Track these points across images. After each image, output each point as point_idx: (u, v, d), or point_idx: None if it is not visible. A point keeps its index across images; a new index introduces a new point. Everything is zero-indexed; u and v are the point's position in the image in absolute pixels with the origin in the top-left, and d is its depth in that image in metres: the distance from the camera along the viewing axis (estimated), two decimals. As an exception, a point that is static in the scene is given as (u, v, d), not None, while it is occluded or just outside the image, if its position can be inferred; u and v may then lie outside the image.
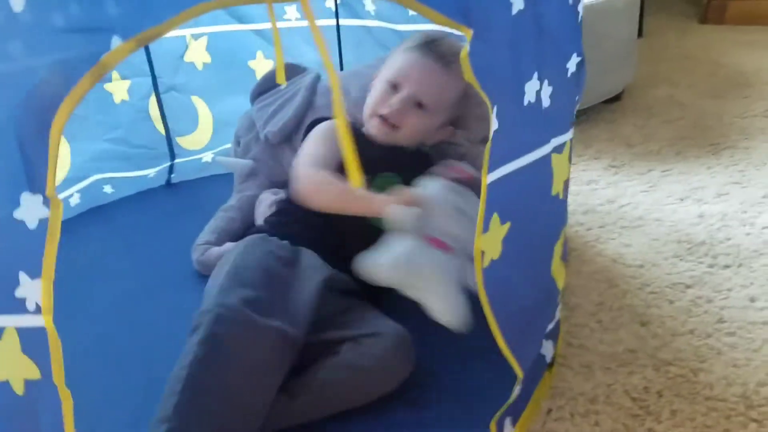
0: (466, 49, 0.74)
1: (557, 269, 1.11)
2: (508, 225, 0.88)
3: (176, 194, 1.86)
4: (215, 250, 1.47)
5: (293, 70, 1.73)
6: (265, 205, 1.56)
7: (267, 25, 1.85)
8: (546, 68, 0.91)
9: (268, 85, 1.72)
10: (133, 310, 1.37)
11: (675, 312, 1.31)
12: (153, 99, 1.83)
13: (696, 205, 1.67)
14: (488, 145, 0.81)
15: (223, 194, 1.69)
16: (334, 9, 1.83)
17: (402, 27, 1.78)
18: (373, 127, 1.33)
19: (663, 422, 1.08)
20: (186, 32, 1.81)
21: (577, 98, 1.07)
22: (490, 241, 0.85)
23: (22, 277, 0.70)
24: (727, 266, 1.43)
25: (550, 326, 1.13)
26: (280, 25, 1.88)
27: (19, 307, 0.71)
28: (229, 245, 1.48)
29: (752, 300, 1.32)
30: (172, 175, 1.90)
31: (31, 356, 0.73)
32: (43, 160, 0.66)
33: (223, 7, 0.69)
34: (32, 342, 0.73)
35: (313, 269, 1.17)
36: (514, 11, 0.81)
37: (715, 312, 1.30)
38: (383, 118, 1.31)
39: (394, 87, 1.32)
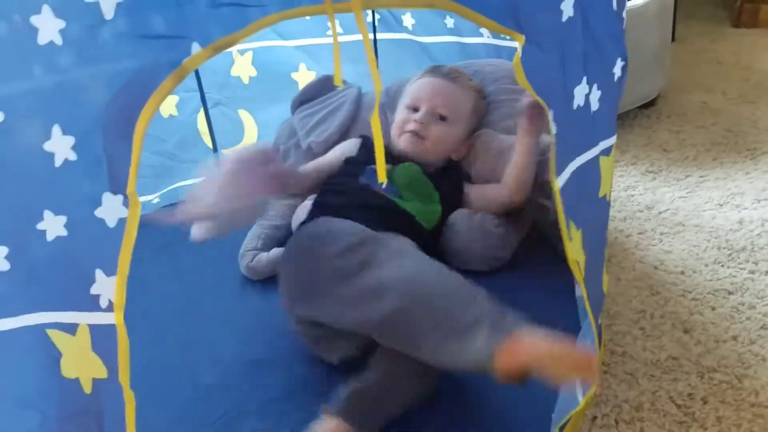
0: (518, 56, 0.78)
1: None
2: (580, 232, 0.91)
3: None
4: (264, 256, 1.49)
5: (333, 82, 1.75)
6: (303, 212, 1.58)
7: (308, 41, 1.89)
8: (594, 73, 0.93)
9: (310, 94, 1.74)
10: (182, 317, 1.38)
11: (717, 319, 1.31)
12: (201, 114, 1.86)
13: (735, 210, 1.66)
14: (552, 149, 0.84)
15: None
16: (372, 24, 1.85)
17: (437, 39, 1.80)
18: (402, 142, 1.43)
19: (708, 429, 1.08)
20: (231, 48, 1.85)
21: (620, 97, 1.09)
22: (577, 250, 0.88)
23: (98, 274, 0.74)
24: (768, 272, 1.43)
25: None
26: (321, 41, 1.92)
27: (92, 304, 0.75)
28: (277, 251, 1.50)
29: (795, 306, 1.32)
30: None
31: (100, 354, 0.76)
32: (126, 160, 0.71)
33: (288, 18, 0.74)
34: (102, 340, 0.76)
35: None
36: (564, 18, 0.84)
37: (758, 318, 1.30)
38: (411, 132, 1.42)
39: (414, 109, 1.45)
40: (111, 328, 0.75)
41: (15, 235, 0.74)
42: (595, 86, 0.94)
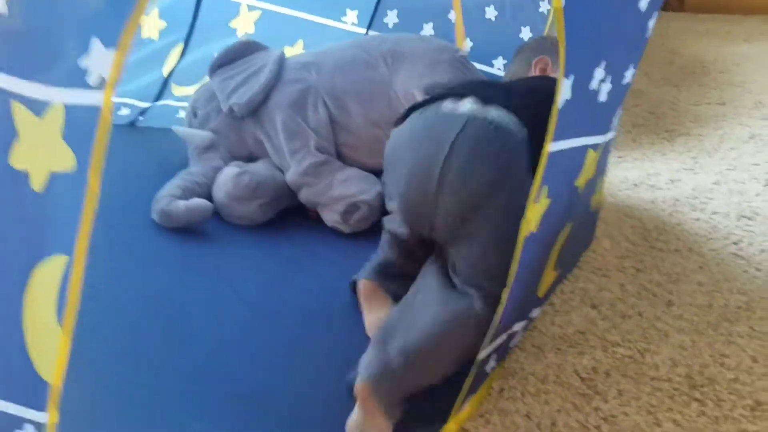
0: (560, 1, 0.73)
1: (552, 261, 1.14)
2: (548, 201, 0.89)
3: (137, 138, 1.85)
4: (182, 203, 1.46)
5: (255, 47, 1.73)
6: (227, 177, 1.55)
7: (319, 19, 1.90)
8: (611, 66, 0.92)
9: (229, 57, 1.71)
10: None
11: (625, 295, 1.34)
12: (177, 49, 1.83)
13: (650, 191, 1.71)
14: (554, 113, 0.81)
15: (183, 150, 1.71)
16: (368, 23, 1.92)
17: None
18: None
19: (609, 401, 1.11)
20: (243, 0, 1.83)
21: (617, 111, 1.09)
22: (535, 214, 0.87)
23: (95, 43, 0.62)
24: (677, 251, 1.47)
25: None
26: (335, 23, 1.91)
27: (76, 78, 0.63)
28: (197, 201, 1.48)
29: (700, 284, 1.36)
30: (140, 118, 1.89)
31: (71, 142, 0.65)
32: None
33: None
34: (78, 124, 0.64)
35: None
36: None
37: (663, 295, 1.34)
38: None
39: None
40: (93, 111, 0.63)
41: None
42: (609, 78, 0.92)
